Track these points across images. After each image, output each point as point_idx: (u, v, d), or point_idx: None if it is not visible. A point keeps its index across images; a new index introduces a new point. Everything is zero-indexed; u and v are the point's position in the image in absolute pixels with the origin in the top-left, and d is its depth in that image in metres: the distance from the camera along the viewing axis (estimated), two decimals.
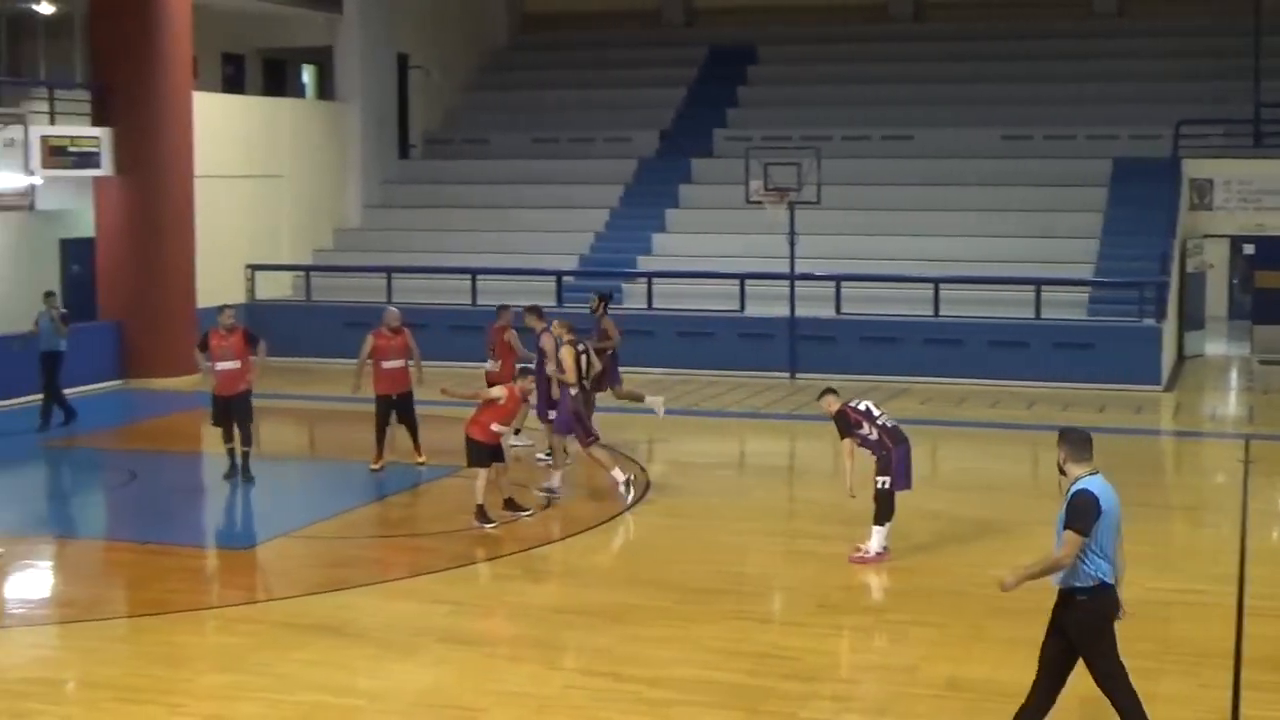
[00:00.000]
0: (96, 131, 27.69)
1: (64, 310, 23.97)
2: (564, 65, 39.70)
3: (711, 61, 38.66)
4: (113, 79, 27.81)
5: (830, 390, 16.09)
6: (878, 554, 15.43)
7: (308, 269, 32.70)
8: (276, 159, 32.84)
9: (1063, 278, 28.58)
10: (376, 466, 20.04)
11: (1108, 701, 10.00)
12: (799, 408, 24.48)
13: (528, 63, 40.63)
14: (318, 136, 34.28)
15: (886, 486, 15.48)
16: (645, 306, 29.88)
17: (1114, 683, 10.03)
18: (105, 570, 16.22)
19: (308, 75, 40.85)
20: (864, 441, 15.61)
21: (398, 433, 20.52)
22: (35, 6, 30.47)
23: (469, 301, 30.24)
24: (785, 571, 15.62)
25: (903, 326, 28.31)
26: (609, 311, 21.97)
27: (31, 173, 22.18)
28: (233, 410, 19.47)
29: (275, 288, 32.56)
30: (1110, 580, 9.96)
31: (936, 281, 28.49)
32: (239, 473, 19.44)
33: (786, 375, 27.98)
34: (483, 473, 16.99)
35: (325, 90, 38.72)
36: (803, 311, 28.40)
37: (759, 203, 28.03)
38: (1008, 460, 22.06)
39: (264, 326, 30.68)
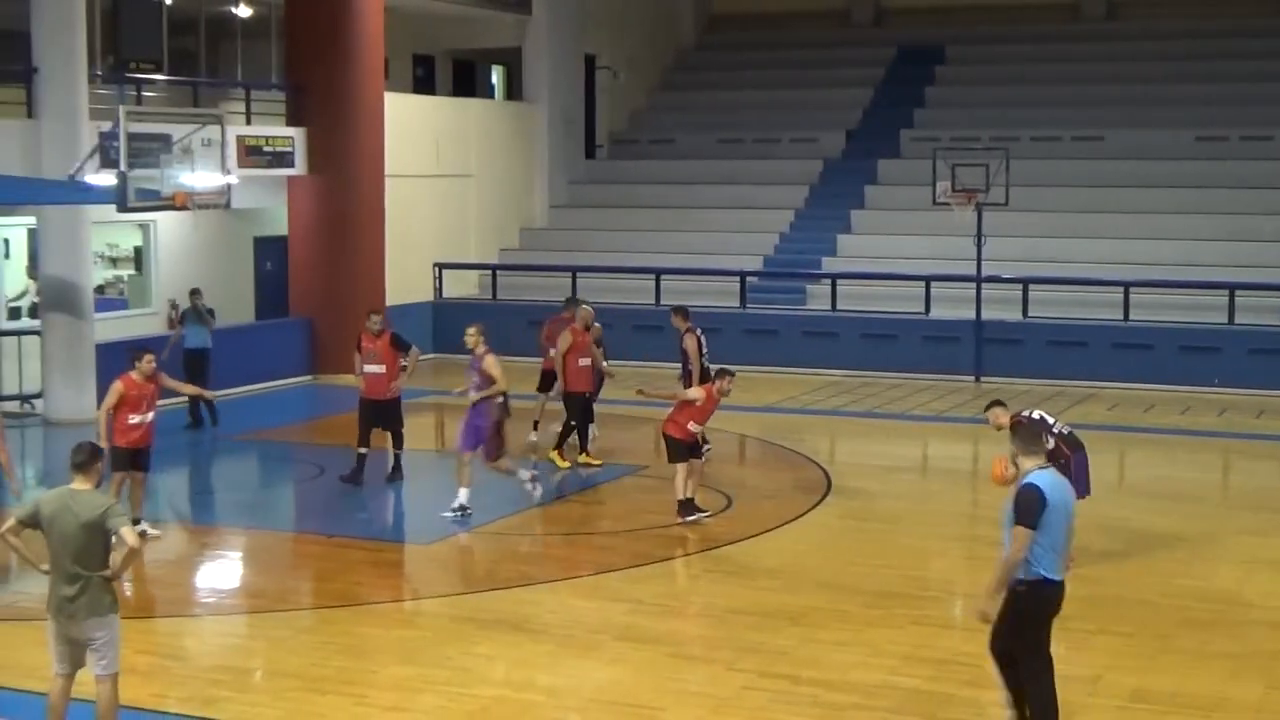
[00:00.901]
0: (290, 131, 28.24)
1: (210, 307, 23.93)
2: (750, 65, 39.64)
3: (899, 61, 38.37)
4: (307, 80, 28.34)
5: (998, 402, 15.81)
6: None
7: (494, 268, 33.01)
8: (465, 159, 33.22)
9: (1258, 282, 27.90)
10: (592, 460, 20.40)
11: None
12: (984, 411, 24.16)
13: (714, 63, 40.64)
14: (505, 137, 34.62)
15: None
16: (829, 308, 29.74)
17: (1037, 681, 10.18)
18: (293, 562, 16.54)
19: (496, 76, 41.24)
20: None
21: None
22: (233, 9, 31.14)
23: (653, 301, 30.30)
24: (967, 577, 15.44)
25: (1091, 330, 27.85)
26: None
27: (228, 171, 22.65)
28: (377, 415, 19.27)
29: (462, 286, 32.93)
30: (1054, 576, 9.99)
31: (1126, 285, 28.00)
32: (387, 472, 19.34)
33: (972, 378, 27.65)
34: (681, 468, 17.11)
35: (513, 91, 39.07)
36: (989, 314, 28.05)
37: (946, 204, 27.74)
38: (1198, 468, 21.59)
39: (450, 324, 31.25)
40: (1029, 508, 9.90)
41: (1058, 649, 12.85)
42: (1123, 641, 13.02)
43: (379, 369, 19.19)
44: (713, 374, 18.33)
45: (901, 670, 12.26)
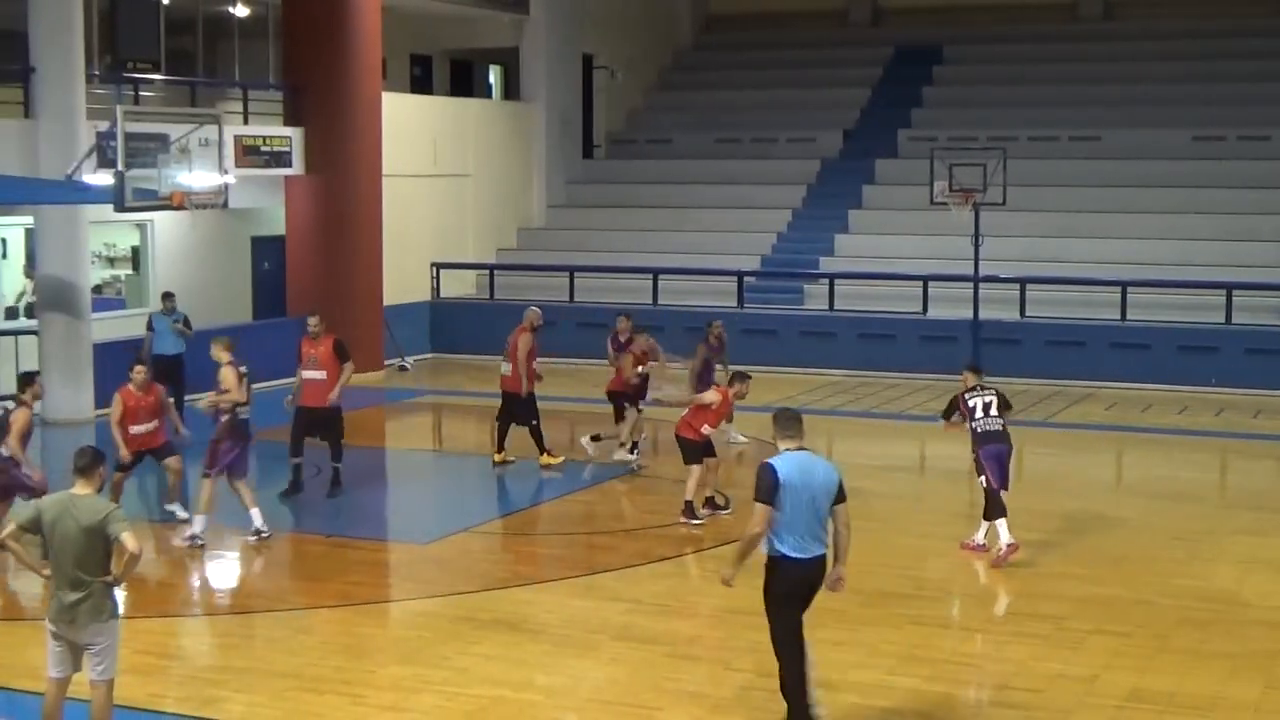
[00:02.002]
0: (288, 131, 28.24)
1: (184, 315, 23.44)
2: (748, 65, 39.65)
3: (897, 61, 38.38)
4: (304, 80, 28.33)
5: (972, 369, 16.51)
6: (983, 546, 15.82)
7: (491, 268, 33.00)
8: (463, 159, 33.22)
9: (1256, 282, 27.92)
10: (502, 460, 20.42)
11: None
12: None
13: (712, 63, 40.65)
14: (503, 137, 34.61)
15: (984, 485, 15.75)
16: (827, 308, 29.74)
17: (779, 648, 10.52)
18: (290, 562, 16.53)
19: (494, 76, 41.26)
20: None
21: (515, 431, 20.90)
22: (231, 9, 31.14)
23: (650, 301, 30.32)
24: (965, 577, 15.46)
25: (1089, 330, 27.86)
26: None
27: (225, 171, 22.62)
28: (316, 425, 18.42)
29: (459, 286, 32.93)
30: (793, 554, 10.34)
31: (1124, 285, 28.01)
32: (301, 490, 18.52)
33: None
34: (696, 470, 17.16)
35: (511, 91, 39.09)
36: (986, 314, 28.05)
37: (944, 204, 27.72)
38: (1195, 468, 21.59)
39: (447, 324, 31.38)
40: (760, 485, 10.33)
41: (1056, 649, 12.91)
42: (1120, 641, 13.02)
43: (319, 375, 18.38)
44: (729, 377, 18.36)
45: (899, 670, 12.27)
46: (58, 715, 9.99)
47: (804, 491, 10.35)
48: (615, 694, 11.75)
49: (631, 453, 20.36)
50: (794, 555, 10.36)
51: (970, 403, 15.91)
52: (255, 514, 16.57)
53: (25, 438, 15.62)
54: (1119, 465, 22.31)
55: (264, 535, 16.52)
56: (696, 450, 17.29)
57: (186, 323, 23.30)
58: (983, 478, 15.71)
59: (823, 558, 10.50)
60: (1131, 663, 12.42)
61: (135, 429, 16.67)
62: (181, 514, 17.18)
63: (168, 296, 23.63)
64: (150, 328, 23.29)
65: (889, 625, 13.51)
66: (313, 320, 18.87)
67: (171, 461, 17.12)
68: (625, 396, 20.61)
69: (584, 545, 17.05)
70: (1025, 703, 11.55)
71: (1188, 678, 12.04)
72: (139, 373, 16.72)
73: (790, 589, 10.46)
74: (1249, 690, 11.81)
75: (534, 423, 20.41)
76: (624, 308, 28.91)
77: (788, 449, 10.52)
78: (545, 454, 20.38)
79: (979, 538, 15.92)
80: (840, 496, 10.58)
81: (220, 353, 16.79)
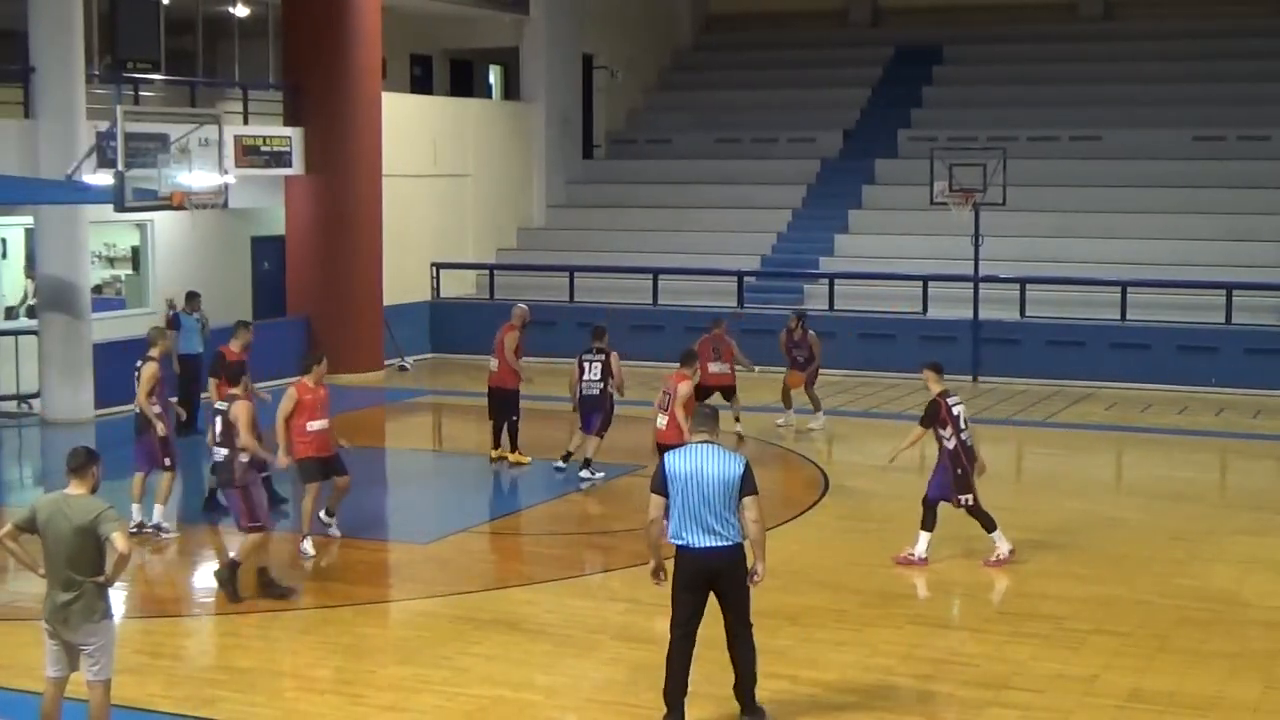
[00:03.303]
0: (288, 131, 28.23)
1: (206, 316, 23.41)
2: (748, 65, 39.65)
3: (897, 61, 38.39)
4: (304, 80, 28.32)
5: (933, 366, 16.07)
6: (1010, 552, 15.49)
7: (491, 268, 32.99)
8: (463, 159, 33.21)
9: (1256, 282, 27.92)
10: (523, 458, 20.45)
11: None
12: (980, 411, 24.14)
13: (712, 63, 40.66)
14: (503, 137, 34.60)
15: (970, 503, 15.47)
16: (827, 308, 29.70)
17: (670, 631, 10.89)
18: (290, 562, 16.49)
19: (494, 76, 41.26)
20: (939, 444, 15.47)
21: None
22: (231, 9, 31.14)
23: (650, 301, 30.33)
24: (964, 577, 15.44)
25: (1088, 330, 27.85)
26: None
27: (225, 171, 22.61)
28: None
29: (459, 286, 32.93)
30: (685, 544, 10.64)
31: (1124, 285, 28.00)
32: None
33: (969, 378, 27.61)
34: None
35: (511, 91, 39.09)
36: (986, 314, 28.05)
37: (943, 204, 27.72)
38: (1195, 468, 21.57)
39: (447, 324, 31.38)
40: (653, 476, 10.83)
41: (1056, 649, 12.90)
42: (1120, 641, 13.02)
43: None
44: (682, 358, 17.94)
45: (899, 669, 12.27)
46: (56, 715, 9.99)
47: (691, 483, 10.55)
48: (615, 694, 11.76)
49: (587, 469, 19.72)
50: (682, 544, 10.67)
51: (954, 411, 15.43)
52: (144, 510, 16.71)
53: (254, 426, 14.58)
54: (1119, 465, 22.30)
55: (146, 528, 16.61)
56: None
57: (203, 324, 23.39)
58: (969, 496, 15.38)
59: (719, 550, 10.61)
60: (1131, 663, 12.42)
61: (313, 425, 16.01)
62: (326, 519, 16.67)
63: (193, 296, 23.63)
64: (174, 326, 23.28)
65: (890, 625, 13.51)
66: (244, 332, 18.38)
67: (340, 481, 16.45)
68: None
69: (584, 545, 17.06)
70: (1025, 703, 11.55)
71: (1188, 678, 12.04)
72: (320, 364, 16.15)
73: (685, 578, 10.75)
74: (1249, 690, 11.81)
75: (514, 419, 20.45)
76: (624, 307, 29.05)
77: (695, 441, 10.78)
78: (516, 452, 20.44)
79: (1003, 549, 15.44)
80: (746, 490, 10.60)
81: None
